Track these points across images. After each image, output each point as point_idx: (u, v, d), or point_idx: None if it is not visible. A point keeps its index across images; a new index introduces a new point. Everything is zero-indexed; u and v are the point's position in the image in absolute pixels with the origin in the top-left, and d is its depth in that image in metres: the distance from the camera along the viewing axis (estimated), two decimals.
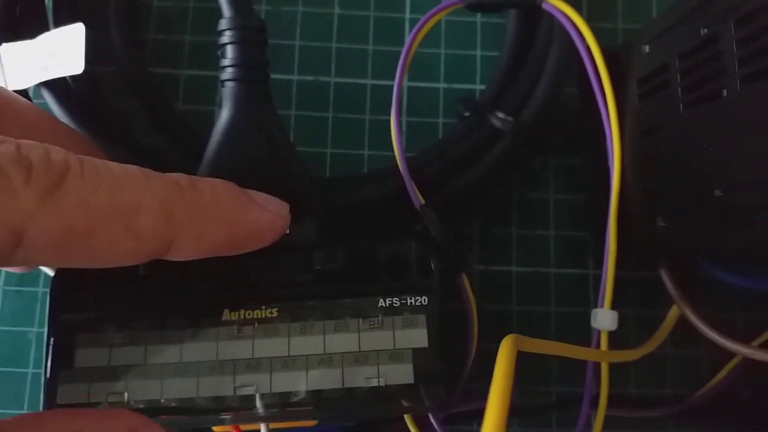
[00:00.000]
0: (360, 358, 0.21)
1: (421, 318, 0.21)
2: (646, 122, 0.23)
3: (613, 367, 0.24)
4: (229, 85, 0.21)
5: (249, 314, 0.21)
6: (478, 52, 0.31)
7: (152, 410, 0.20)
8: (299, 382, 0.21)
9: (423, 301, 0.22)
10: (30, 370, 0.27)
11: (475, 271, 0.28)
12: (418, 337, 0.21)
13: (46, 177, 0.15)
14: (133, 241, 0.16)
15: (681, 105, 0.20)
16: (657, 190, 0.23)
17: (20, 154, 0.15)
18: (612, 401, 0.25)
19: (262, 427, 0.22)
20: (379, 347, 0.21)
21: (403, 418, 0.24)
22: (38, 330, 0.28)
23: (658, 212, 0.22)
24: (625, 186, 0.24)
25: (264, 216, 0.20)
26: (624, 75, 0.24)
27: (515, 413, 0.27)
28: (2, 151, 0.15)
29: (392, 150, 0.25)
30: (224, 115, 0.21)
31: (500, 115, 0.25)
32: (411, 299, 0.22)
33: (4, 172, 0.14)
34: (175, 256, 0.18)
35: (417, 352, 0.21)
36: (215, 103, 0.30)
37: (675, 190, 0.21)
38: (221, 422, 0.21)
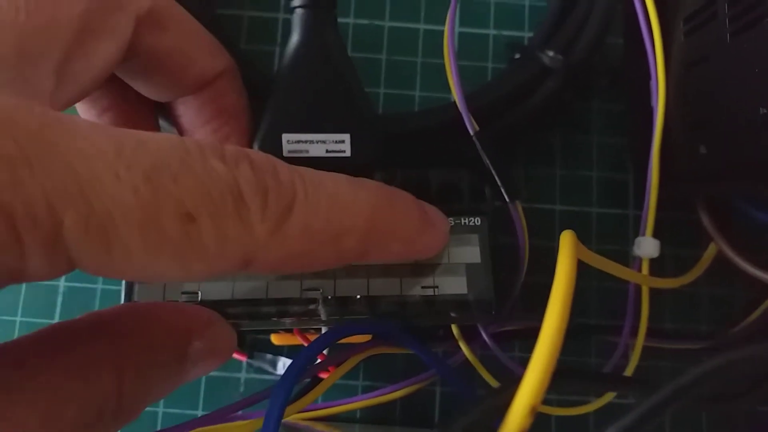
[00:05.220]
0: (416, 270, 0.22)
1: (474, 237, 0.23)
2: (692, 56, 0.24)
3: (650, 303, 0.25)
4: (299, 11, 0.22)
5: None
6: (527, 1, 0.32)
7: (222, 311, 0.20)
8: (360, 289, 0.22)
9: (476, 222, 0.23)
10: (99, 286, 0.29)
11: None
12: (471, 254, 0.22)
13: (278, 206, 0.15)
14: (336, 259, 0.17)
15: (728, 35, 0.22)
16: (700, 119, 0.23)
17: (258, 179, 0.15)
18: (648, 332, 0.25)
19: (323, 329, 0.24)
20: (434, 261, 0.22)
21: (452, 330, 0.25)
22: None
23: (701, 140, 0.23)
24: (668, 119, 0.24)
25: (435, 238, 0.21)
26: (670, 14, 0.25)
27: None
28: (243, 175, 0.14)
29: (443, 92, 0.26)
30: (294, 39, 0.23)
31: (550, 53, 0.26)
32: (465, 220, 0.23)
33: (245, 202, 0.14)
34: (357, 262, 0.18)
35: (470, 267, 0.22)
36: (276, 42, 0.31)
37: (719, 116, 0.22)
38: (283, 326, 0.22)
